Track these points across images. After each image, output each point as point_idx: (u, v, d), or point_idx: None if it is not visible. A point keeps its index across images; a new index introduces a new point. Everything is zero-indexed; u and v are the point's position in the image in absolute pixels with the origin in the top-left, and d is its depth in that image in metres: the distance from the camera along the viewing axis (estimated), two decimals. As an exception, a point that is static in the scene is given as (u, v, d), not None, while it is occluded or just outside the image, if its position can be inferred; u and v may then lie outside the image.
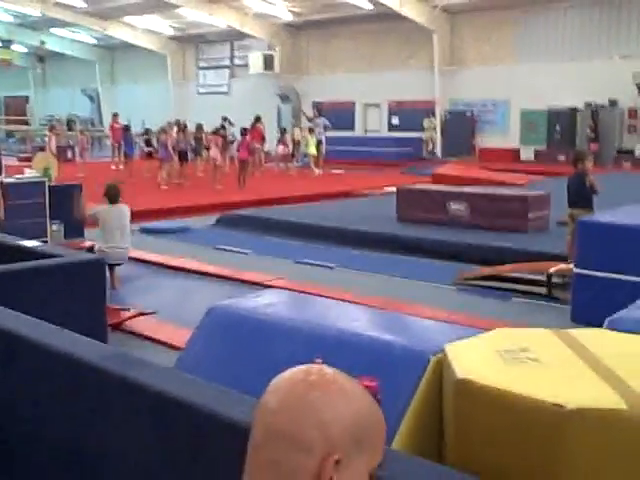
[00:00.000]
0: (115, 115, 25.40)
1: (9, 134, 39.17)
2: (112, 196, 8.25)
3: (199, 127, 22.81)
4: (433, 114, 27.83)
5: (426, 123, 28.01)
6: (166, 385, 2.55)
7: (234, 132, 23.55)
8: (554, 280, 7.52)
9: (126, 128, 23.31)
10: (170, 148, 18.30)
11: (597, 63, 24.18)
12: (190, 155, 20.73)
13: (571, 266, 6.95)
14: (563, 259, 8.00)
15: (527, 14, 25.95)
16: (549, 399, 2.70)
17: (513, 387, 2.81)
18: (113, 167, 23.35)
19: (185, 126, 22.14)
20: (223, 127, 21.82)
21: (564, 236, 8.59)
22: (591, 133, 23.47)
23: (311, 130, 23.12)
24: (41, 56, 31.14)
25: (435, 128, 27.84)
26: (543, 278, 7.61)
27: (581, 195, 8.30)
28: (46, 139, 22.65)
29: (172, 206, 14.27)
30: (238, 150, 19.24)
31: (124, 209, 8.31)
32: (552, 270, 7.56)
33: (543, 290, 7.55)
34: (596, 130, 23.36)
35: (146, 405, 2.58)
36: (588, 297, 6.49)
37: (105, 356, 2.88)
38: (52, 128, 22.88)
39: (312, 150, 22.57)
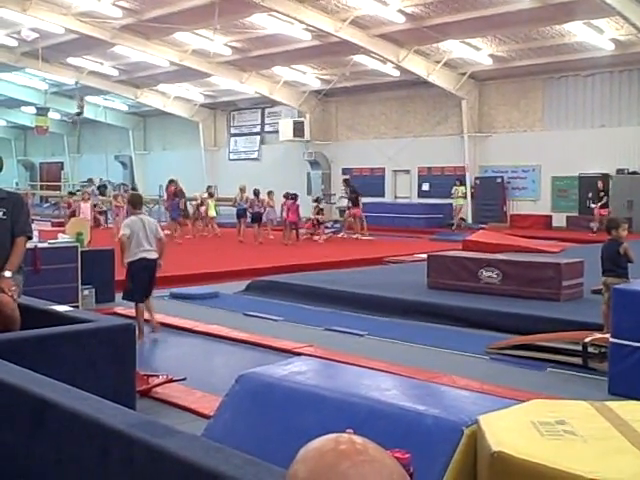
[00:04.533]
0: (172, 181, 25.50)
1: (44, 199, 39.89)
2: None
3: (257, 192, 23.52)
4: (461, 181, 27.16)
5: (455, 191, 26.96)
6: (193, 454, 2.51)
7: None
8: (590, 350, 7.35)
9: (175, 194, 24.16)
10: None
11: (627, 130, 24.20)
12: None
13: (607, 336, 6.81)
14: (599, 328, 7.84)
15: (555, 80, 26.17)
16: (587, 474, 2.61)
17: (550, 461, 2.73)
18: (167, 232, 23.82)
19: (258, 192, 23.10)
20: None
21: (599, 305, 8.44)
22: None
23: (211, 195, 24.54)
24: (78, 113, 32.09)
25: (465, 196, 27.01)
26: (579, 348, 7.44)
27: (615, 263, 8.17)
28: (80, 205, 22.17)
29: (203, 272, 14.33)
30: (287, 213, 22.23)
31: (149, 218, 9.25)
32: (588, 340, 7.39)
33: (579, 360, 7.37)
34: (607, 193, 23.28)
35: (173, 473, 2.54)
36: (625, 368, 6.34)
37: (132, 423, 2.85)
38: (84, 194, 22.68)
39: (212, 213, 24.07)
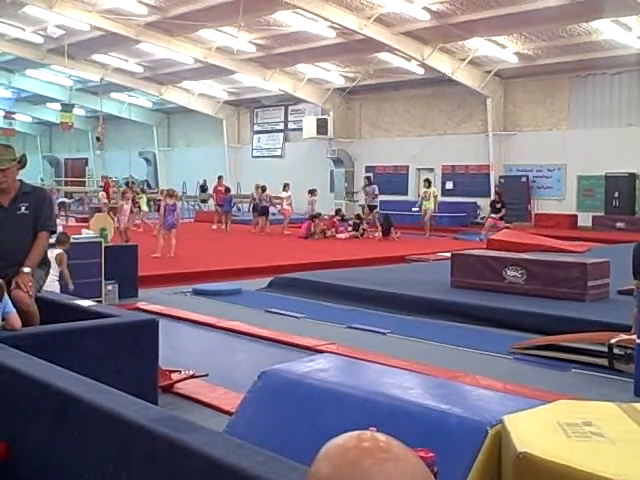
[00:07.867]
0: (220, 178, 27.68)
1: (68, 195, 40.21)
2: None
3: (264, 188, 25.38)
4: (429, 182, 24.31)
5: (424, 193, 23.85)
6: (215, 450, 2.49)
7: None
8: (616, 351, 7.25)
9: (227, 190, 25.85)
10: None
11: (655, 129, 23.92)
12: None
13: (634, 337, 6.71)
14: (625, 329, 7.73)
15: (582, 79, 25.91)
16: (615, 477, 2.56)
17: (577, 463, 2.67)
18: (214, 227, 25.26)
19: (264, 187, 25.26)
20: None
21: (625, 306, 8.31)
22: None
23: (143, 191, 26.79)
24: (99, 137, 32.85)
25: (436, 197, 23.98)
26: (604, 349, 7.34)
27: (649, 265, 7.95)
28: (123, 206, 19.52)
29: (225, 268, 14.34)
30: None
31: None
32: (613, 341, 7.30)
33: (604, 362, 7.28)
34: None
35: (194, 469, 2.53)
36: (652, 369, 6.24)
37: (154, 418, 2.84)
38: (124, 193, 20.51)
39: (144, 208, 25.24)
